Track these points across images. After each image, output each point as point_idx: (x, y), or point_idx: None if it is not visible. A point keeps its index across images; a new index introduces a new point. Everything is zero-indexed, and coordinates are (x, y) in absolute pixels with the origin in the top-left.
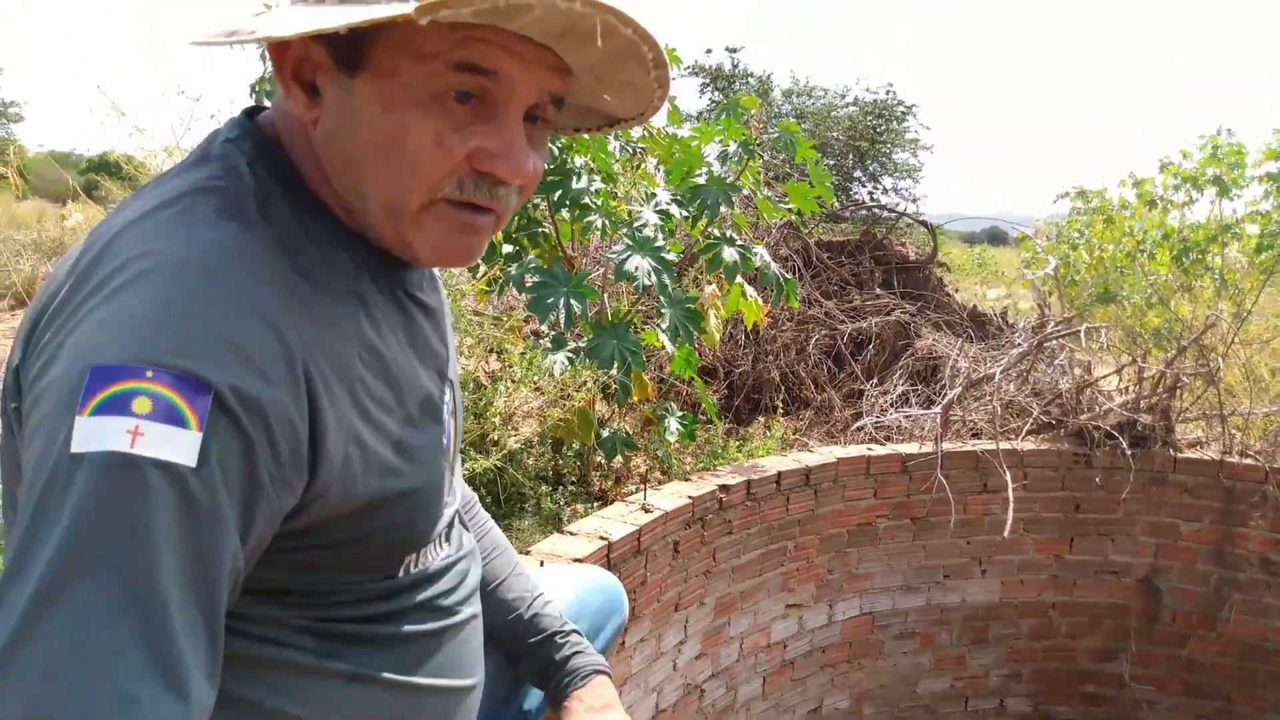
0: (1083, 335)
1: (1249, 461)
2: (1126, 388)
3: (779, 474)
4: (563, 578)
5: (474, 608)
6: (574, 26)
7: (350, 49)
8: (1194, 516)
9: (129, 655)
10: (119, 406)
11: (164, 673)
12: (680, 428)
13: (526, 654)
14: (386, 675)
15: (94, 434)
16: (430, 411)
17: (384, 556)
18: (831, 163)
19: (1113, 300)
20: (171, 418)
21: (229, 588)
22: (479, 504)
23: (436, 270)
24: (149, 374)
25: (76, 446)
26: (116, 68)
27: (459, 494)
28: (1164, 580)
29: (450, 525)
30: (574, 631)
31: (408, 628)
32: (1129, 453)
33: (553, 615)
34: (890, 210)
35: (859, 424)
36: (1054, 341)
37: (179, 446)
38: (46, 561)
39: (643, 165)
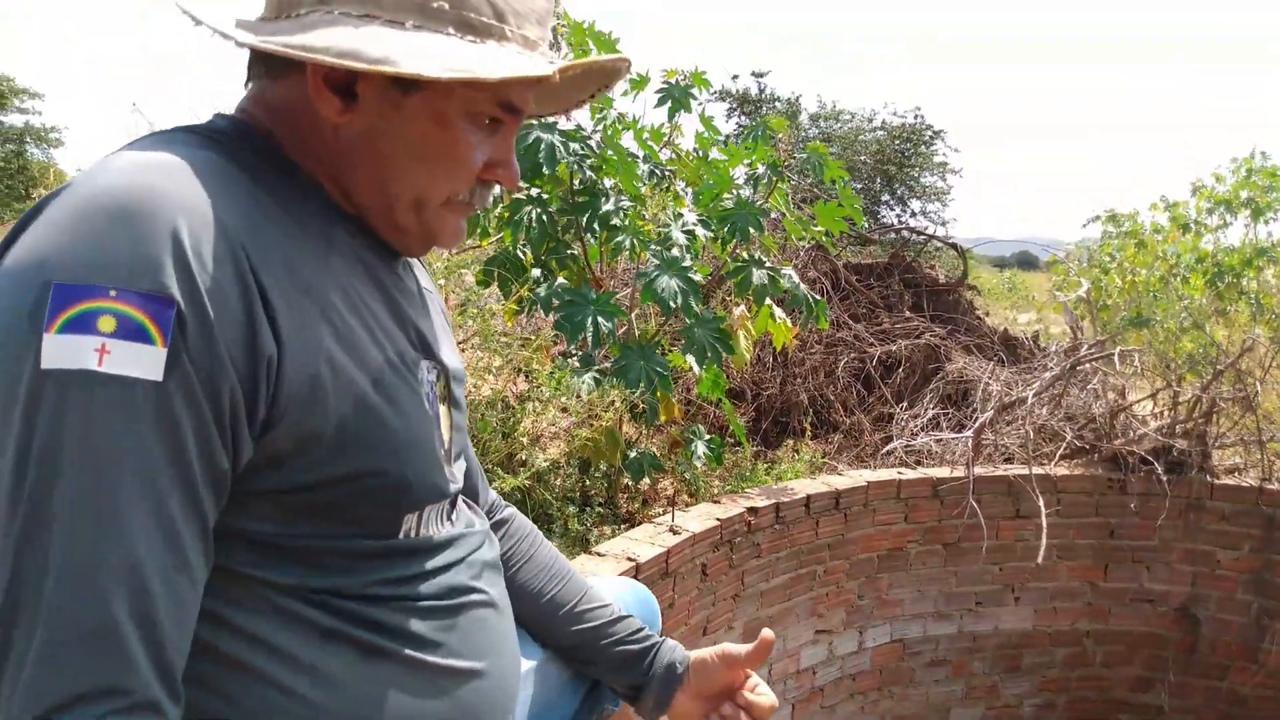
0: (1117, 358)
1: None
2: (1161, 412)
3: (808, 497)
4: (600, 588)
5: (488, 587)
6: (595, 71)
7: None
8: (1232, 544)
9: (113, 578)
10: (85, 325)
11: (138, 599)
12: (708, 451)
13: (615, 650)
14: (396, 649)
15: (63, 352)
16: (408, 367)
17: (376, 509)
18: (859, 186)
19: (1146, 325)
20: (136, 335)
21: (216, 490)
22: (539, 533)
23: (418, 269)
24: (112, 293)
25: (46, 363)
26: (116, 67)
27: (461, 480)
28: (1202, 609)
29: (454, 506)
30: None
31: (414, 602)
32: (1165, 479)
33: (631, 619)
34: (919, 233)
35: (889, 448)
36: (1087, 365)
37: (146, 362)
38: (31, 483)
39: (671, 187)
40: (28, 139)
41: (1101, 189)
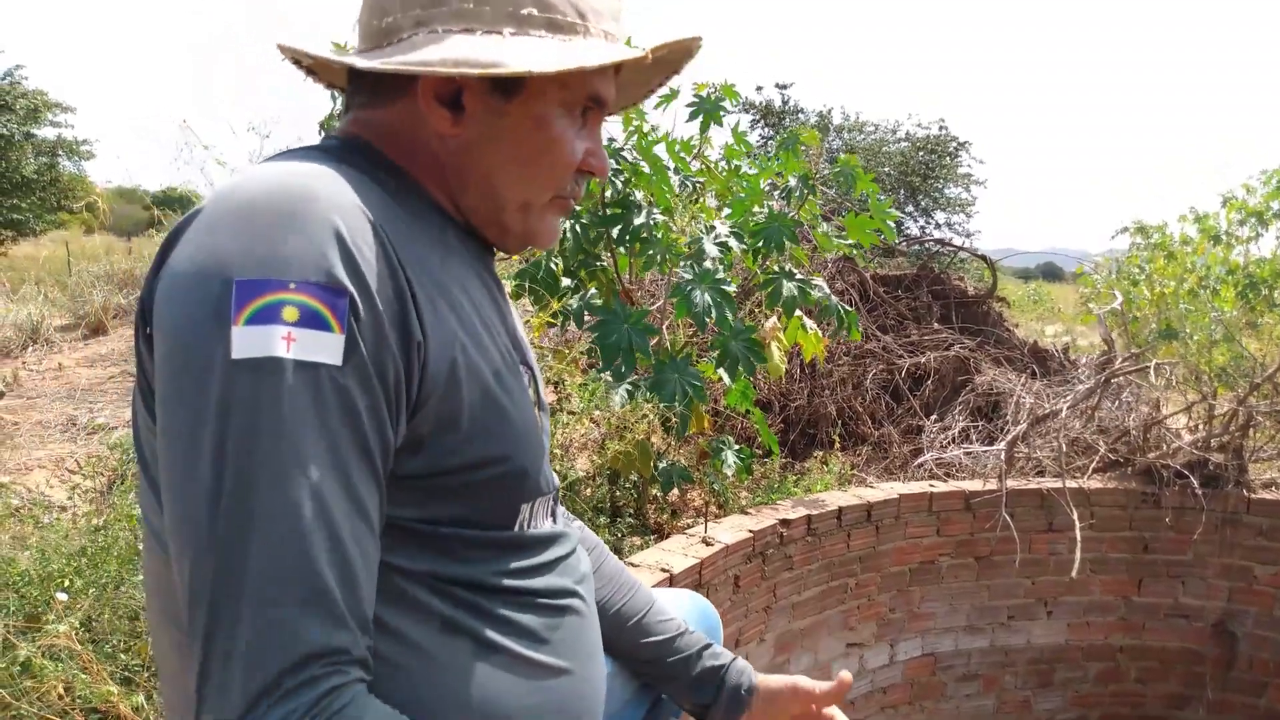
0: (1153, 371)
1: None
2: (1196, 426)
3: (840, 509)
4: (663, 600)
5: (585, 591)
6: (667, 56)
7: (510, 77)
8: (1270, 560)
9: (319, 545)
10: (271, 316)
11: (340, 563)
12: (737, 461)
13: (684, 666)
14: (509, 645)
15: (253, 341)
16: (515, 365)
17: (500, 497)
18: (882, 198)
19: (1175, 337)
20: (317, 323)
21: (385, 462)
22: (604, 545)
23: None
24: (292, 285)
25: (237, 354)
26: (155, 81)
27: (556, 482)
28: (1239, 625)
29: (555, 504)
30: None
31: (527, 598)
32: (1200, 492)
33: (697, 634)
34: (948, 244)
35: (920, 460)
36: (1120, 378)
37: (327, 348)
38: (232, 465)
39: (702, 199)
40: (60, 152)
41: (1127, 200)
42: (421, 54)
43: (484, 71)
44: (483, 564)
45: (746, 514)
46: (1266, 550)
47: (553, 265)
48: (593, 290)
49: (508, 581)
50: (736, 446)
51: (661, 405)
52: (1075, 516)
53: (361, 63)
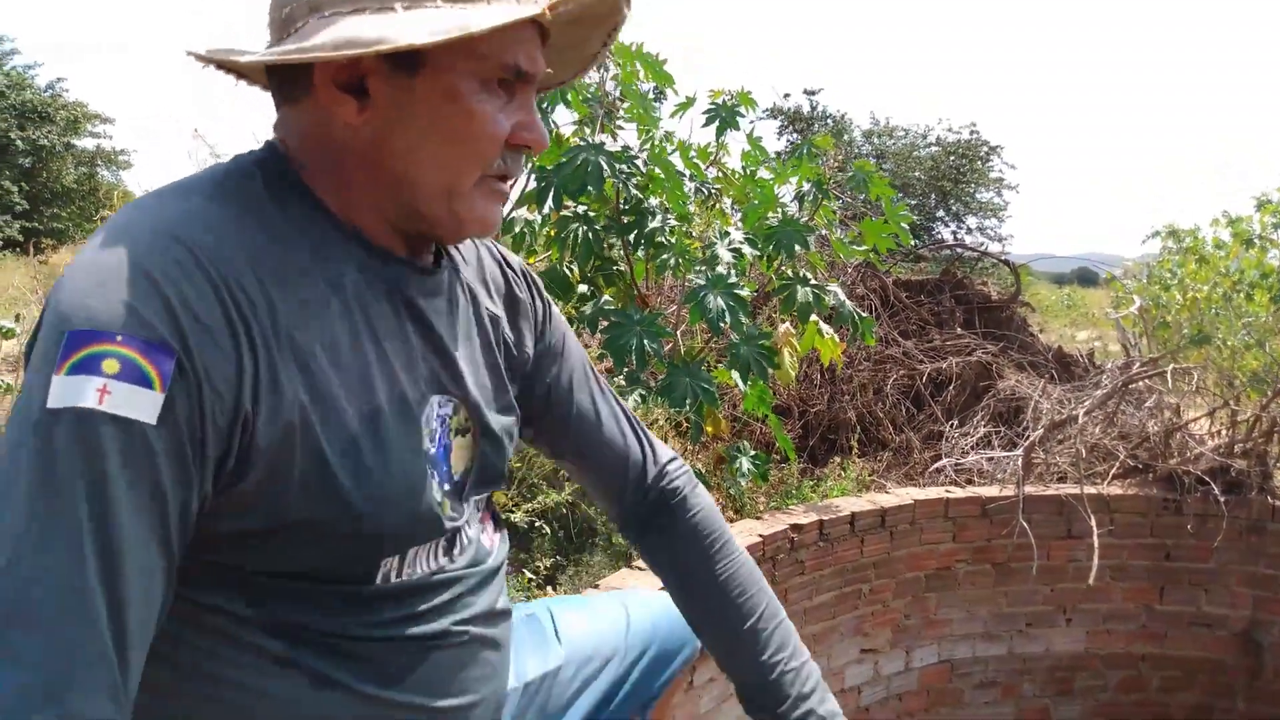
0: (1169, 376)
1: None
2: (1219, 431)
3: (853, 515)
4: (640, 600)
5: (478, 628)
6: (592, 15)
7: (410, 53)
8: None
9: (101, 607)
10: (90, 367)
11: (120, 632)
12: (753, 468)
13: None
14: (349, 682)
15: (68, 391)
16: (403, 413)
17: (348, 553)
18: (914, 202)
19: (1207, 342)
20: (137, 378)
21: (184, 531)
22: (730, 537)
23: (461, 298)
24: (119, 338)
25: (52, 402)
26: (171, 86)
27: (473, 510)
28: (1265, 635)
29: (453, 541)
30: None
31: (382, 642)
32: (1222, 499)
33: (795, 674)
34: (972, 249)
35: (938, 465)
36: (1141, 383)
37: (143, 405)
38: (23, 514)
39: (717, 205)
40: (98, 162)
41: (1127, 199)
42: (311, 40)
43: (363, 51)
44: (330, 614)
45: (758, 519)
46: None
47: (566, 271)
48: (607, 296)
49: (359, 630)
50: (753, 452)
51: (673, 410)
52: (1093, 523)
53: (245, 58)
